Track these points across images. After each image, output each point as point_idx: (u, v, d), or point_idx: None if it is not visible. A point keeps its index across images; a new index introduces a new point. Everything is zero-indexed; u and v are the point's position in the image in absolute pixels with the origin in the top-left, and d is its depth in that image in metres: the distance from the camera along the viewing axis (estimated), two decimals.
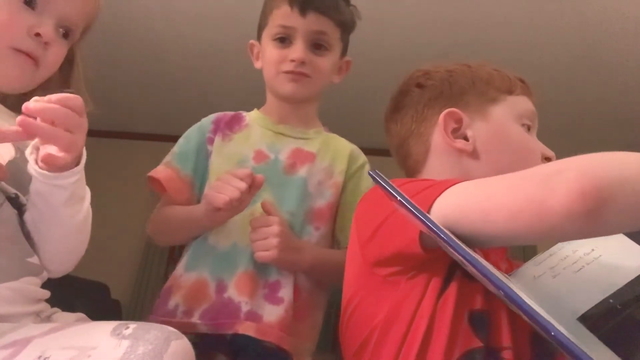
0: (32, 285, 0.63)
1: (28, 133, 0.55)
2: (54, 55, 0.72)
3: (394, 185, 0.51)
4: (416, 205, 0.51)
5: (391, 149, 0.84)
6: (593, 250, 0.59)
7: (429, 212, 0.54)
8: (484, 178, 0.55)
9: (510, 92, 0.76)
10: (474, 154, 0.72)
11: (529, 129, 0.75)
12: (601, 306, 0.53)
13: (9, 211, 0.63)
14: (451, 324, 0.53)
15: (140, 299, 3.05)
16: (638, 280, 0.53)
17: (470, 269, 0.46)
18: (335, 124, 3.13)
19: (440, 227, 0.47)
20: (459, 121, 0.74)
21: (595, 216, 0.44)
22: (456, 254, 0.46)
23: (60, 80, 0.77)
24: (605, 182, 0.44)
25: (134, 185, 3.40)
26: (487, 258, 0.61)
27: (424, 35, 2.46)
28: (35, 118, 0.55)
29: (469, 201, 0.54)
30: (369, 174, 0.53)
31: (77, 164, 0.62)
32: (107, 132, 3.56)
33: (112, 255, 3.07)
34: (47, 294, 0.67)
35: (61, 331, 0.50)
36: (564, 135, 2.78)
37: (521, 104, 0.76)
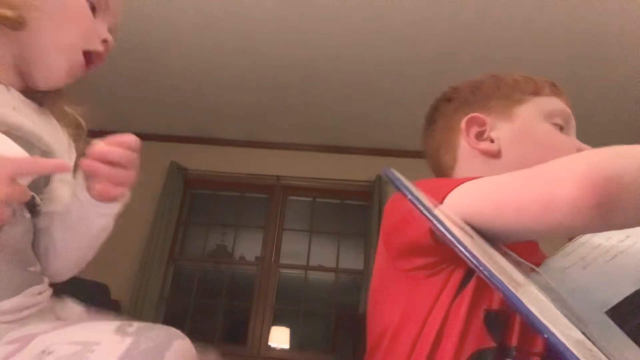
0: (32, 297, 0.64)
1: (93, 175, 0.62)
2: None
3: (410, 184, 0.51)
4: (429, 197, 0.51)
5: (429, 164, 0.85)
6: (628, 237, 0.56)
7: (442, 203, 0.54)
8: (496, 176, 0.55)
9: (537, 93, 0.76)
10: (499, 155, 0.73)
11: (561, 129, 0.73)
12: (632, 299, 0.50)
13: (21, 218, 0.64)
14: (464, 322, 0.53)
15: (140, 299, 3.04)
16: None
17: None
18: (342, 124, 3.07)
19: (448, 226, 0.45)
20: (483, 124, 0.75)
21: (604, 209, 0.43)
22: (461, 254, 0.44)
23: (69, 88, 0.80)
24: (615, 175, 0.43)
25: (134, 185, 3.40)
26: (516, 250, 0.59)
27: (425, 36, 2.45)
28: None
29: (480, 196, 0.54)
30: (384, 172, 0.53)
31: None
32: (107, 132, 3.55)
33: (112, 255, 3.07)
34: (47, 295, 0.67)
35: (65, 328, 0.51)
36: None
37: (550, 103, 0.75)
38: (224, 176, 3.51)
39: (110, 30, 0.76)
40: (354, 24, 2.41)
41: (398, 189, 0.50)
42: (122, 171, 0.63)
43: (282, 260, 3.40)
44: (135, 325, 0.47)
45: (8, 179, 0.50)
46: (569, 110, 0.76)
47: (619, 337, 0.49)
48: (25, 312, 0.60)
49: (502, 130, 0.74)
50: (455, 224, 0.47)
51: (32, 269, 0.65)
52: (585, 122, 3.23)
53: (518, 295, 0.36)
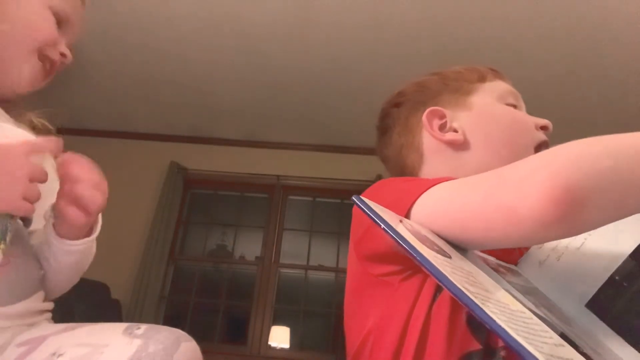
0: (40, 303, 0.65)
1: (69, 180, 0.59)
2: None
3: (380, 209, 0.48)
4: (392, 211, 0.49)
5: (391, 172, 0.83)
6: None
7: (407, 217, 0.52)
8: (460, 181, 0.53)
9: (483, 80, 0.77)
10: (466, 144, 0.72)
11: (514, 107, 0.74)
12: (607, 287, 0.49)
13: (19, 225, 0.64)
14: (448, 326, 0.51)
15: (140, 299, 3.04)
16: None
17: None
18: (342, 124, 3.06)
19: (425, 256, 0.41)
20: (443, 117, 0.74)
21: (571, 220, 0.41)
22: (432, 274, 0.40)
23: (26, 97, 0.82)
24: (579, 182, 0.40)
25: (134, 185, 3.41)
26: (494, 251, 0.59)
27: (425, 34, 2.45)
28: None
29: (445, 210, 0.51)
30: (352, 199, 0.49)
31: (91, 233, 0.67)
32: (107, 132, 3.56)
33: (112, 255, 3.07)
34: (51, 305, 0.68)
35: (75, 330, 0.52)
36: (563, 133, 2.77)
37: (498, 86, 0.76)
38: (224, 176, 3.51)
39: (67, 47, 0.78)
40: (354, 23, 2.41)
41: (372, 219, 0.46)
42: (94, 191, 0.61)
43: (282, 260, 3.40)
44: (143, 327, 0.48)
45: (26, 157, 0.52)
46: (515, 90, 0.77)
47: (603, 331, 0.47)
48: (31, 320, 0.61)
49: (462, 120, 0.73)
50: (421, 238, 0.45)
51: (42, 271, 0.66)
52: (586, 120, 3.22)
53: (485, 310, 0.34)
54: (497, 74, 0.78)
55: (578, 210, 0.41)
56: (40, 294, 0.64)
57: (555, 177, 0.41)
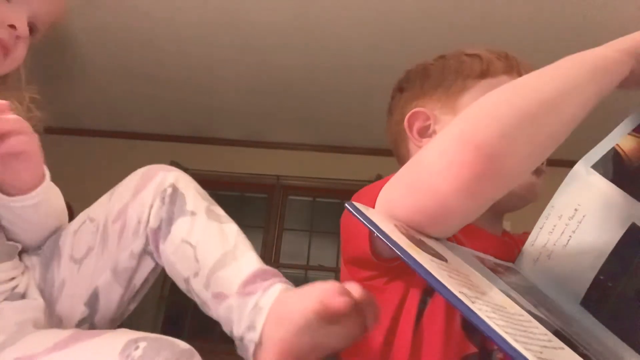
0: (8, 270, 0.62)
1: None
2: (22, 51, 0.71)
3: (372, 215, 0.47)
4: (389, 219, 0.47)
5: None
6: (576, 210, 0.53)
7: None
8: (392, 179, 0.51)
9: (483, 75, 0.70)
10: None
11: None
12: (596, 286, 0.49)
13: None
14: (444, 333, 0.50)
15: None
16: (621, 246, 0.49)
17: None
18: (342, 124, 3.06)
19: (413, 257, 0.39)
20: (426, 119, 0.70)
21: (494, 170, 0.41)
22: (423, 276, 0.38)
23: (15, 78, 0.76)
24: (485, 135, 0.41)
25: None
26: (494, 250, 0.57)
27: (425, 34, 2.45)
28: None
29: (392, 207, 0.49)
30: (345, 205, 0.48)
31: (33, 188, 0.62)
32: (107, 132, 3.56)
33: None
34: (20, 269, 0.65)
35: (66, 349, 0.49)
36: None
37: (497, 86, 0.71)
38: (223, 176, 3.50)
39: (35, 19, 0.72)
40: (355, 22, 2.41)
41: (365, 224, 0.44)
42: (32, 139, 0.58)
43: (282, 260, 3.40)
44: (142, 346, 0.46)
45: None
46: None
47: (600, 329, 0.47)
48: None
49: (445, 125, 0.68)
50: (416, 242, 0.43)
51: (8, 242, 0.64)
52: (586, 119, 3.20)
53: (481, 315, 0.33)
54: (506, 66, 0.71)
55: (496, 160, 0.41)
56: (7, 264, 0.61)
57: (462, 141, 0.41)
